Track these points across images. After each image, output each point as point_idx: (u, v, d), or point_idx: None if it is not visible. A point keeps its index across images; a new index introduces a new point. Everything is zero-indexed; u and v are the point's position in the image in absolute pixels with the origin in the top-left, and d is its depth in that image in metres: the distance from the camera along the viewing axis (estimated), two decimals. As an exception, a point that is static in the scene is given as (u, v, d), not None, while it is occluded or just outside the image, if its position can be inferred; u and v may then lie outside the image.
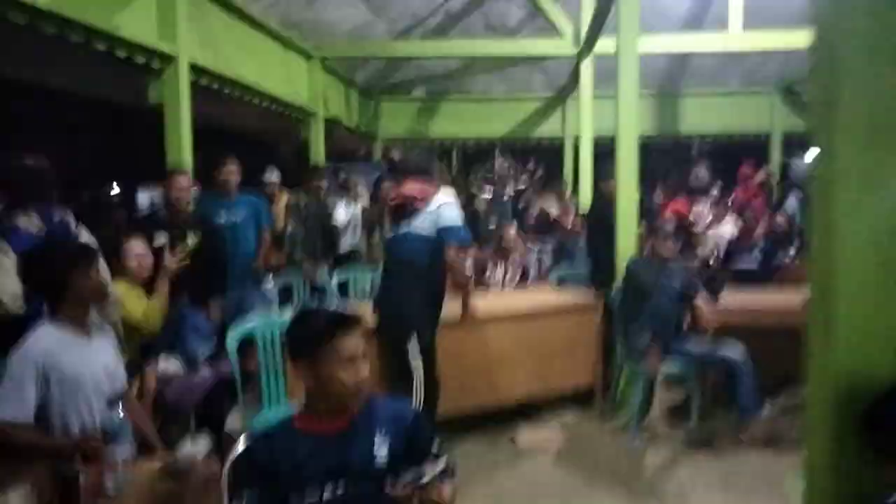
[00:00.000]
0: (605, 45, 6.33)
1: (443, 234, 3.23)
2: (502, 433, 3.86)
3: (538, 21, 6.97)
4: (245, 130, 8.13)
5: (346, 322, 1.59)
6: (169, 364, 3.16)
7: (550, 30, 6.74)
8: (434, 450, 1.67)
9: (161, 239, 3.51)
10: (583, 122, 6.90)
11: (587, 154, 6.93)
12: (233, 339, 3.11)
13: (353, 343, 1.57)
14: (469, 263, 3.38)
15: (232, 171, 4.32)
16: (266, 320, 3.29)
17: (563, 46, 6.69)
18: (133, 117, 5.92)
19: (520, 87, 8.90)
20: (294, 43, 6.32)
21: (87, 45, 3.67)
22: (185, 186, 3.72)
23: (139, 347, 3.07)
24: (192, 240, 3.59)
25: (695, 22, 6.90)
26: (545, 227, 6.87)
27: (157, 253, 3.36)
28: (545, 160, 9.49)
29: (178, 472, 1.69)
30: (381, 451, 1.60)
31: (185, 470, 1.69)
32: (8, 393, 1.94)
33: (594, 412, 4.18)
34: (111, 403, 2.16)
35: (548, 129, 9.29)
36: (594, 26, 5.97)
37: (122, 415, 2.22)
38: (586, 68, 6.73)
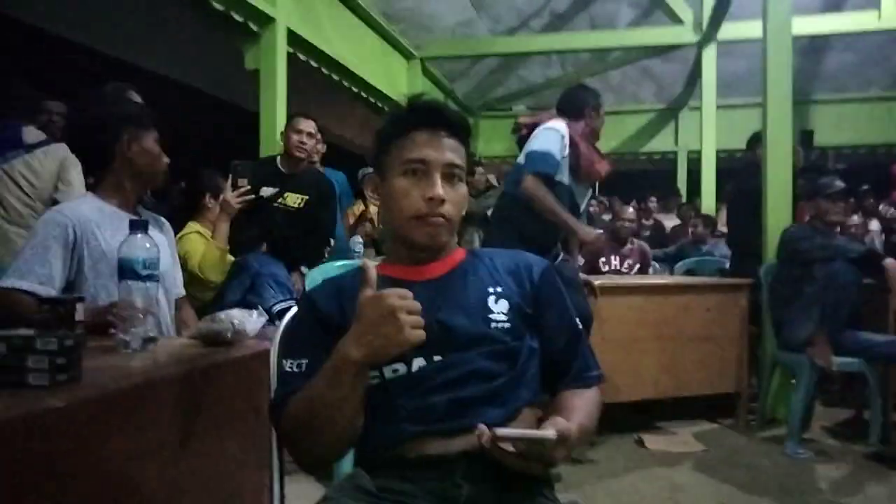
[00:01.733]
0: (731, 30, 5.77)
1: (524, 161, 2.80)
2: (622, 435, 3.19)
3: (649, 19, 6.49)
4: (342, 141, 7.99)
5: (432, 118, 1.07)
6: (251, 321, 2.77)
7: (664, 25, 6.23)
8: (571, 321, 1.13)
9: (268, 190, 3.18)
10: (705, 129, 6.29)
11: (710, 166, 6.28)
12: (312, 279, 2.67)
13: (433, 148, 1.05)
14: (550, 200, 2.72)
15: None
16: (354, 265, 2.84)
17: (683, 34, 6.12)
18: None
19: (628, 98, 8.34)
20: (395, 38, 6.11)
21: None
22: (307, 132, 3.27)
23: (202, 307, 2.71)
24: (296, 199, 3.25)
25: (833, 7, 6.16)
26: (660, 238, 6.21)
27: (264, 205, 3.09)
28: (654, 178, 8.80)
29: (216, 336, 1.22)
30: (498, 309, 1.07)
31: (225, 335, 1.22)
32: (30, 259, 1.55)
33: (735, 423, 3.42)
34: (163, 302, 1.75)
35: (658, 143, 8.61)
36: (718, 9, 5.42)
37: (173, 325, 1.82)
38: (709, 61, 6.12)
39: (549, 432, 0.88)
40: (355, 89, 5.48)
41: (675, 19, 6.11)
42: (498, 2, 6.28)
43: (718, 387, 3.42)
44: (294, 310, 1.21)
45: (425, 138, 1.06)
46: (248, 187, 2.76)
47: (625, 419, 3.24)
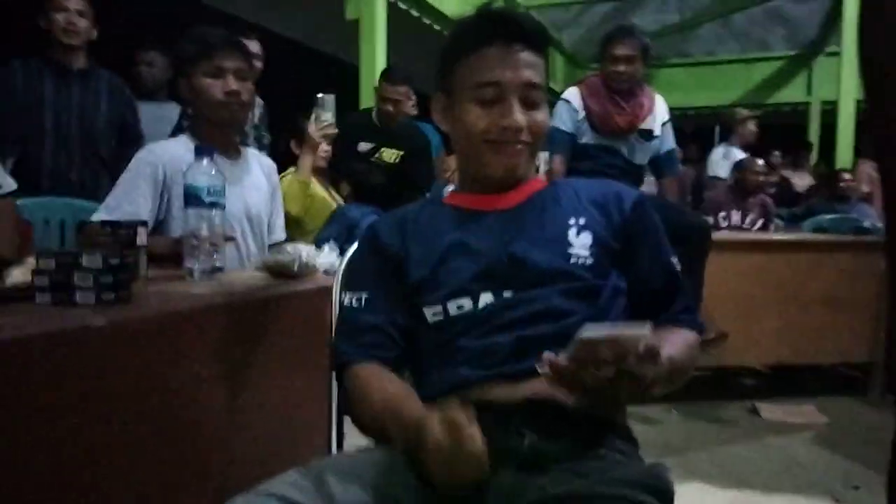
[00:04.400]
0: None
1: None
2: (734, 402, 2.94)
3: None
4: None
5: (505, 31, 0.92)
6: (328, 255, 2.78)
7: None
8: (669, 262, 0.97)
9: (364, 145, 3.16)
10: (844, 78, 5.59)
11: (848, 120, 5.61)
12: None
13: (507, 66, 0.91)
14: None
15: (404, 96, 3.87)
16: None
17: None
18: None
19: (754, 45, 7.63)
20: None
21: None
22: (402, 92, 3.26)
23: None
24: (391, 155, 3.21)
25: None
26: (788, 197, 5.65)
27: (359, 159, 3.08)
28: (783, 131, 8.06)
29: (282, 268, 1.17)
30: (580, 242, 0.93)
31: (291, 267, 1.16)
32: (120, 195, 1.57)
33: (868, 397, 3.06)
34: (251, 250, 1.74)
35: (788, 94, 7.84)
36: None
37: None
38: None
39: (642, 329, 0.71)
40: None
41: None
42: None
43: (849, 356, 3.07)
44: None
45: (498, 55, 0.92)
46: (332, 121, 2.71)
47: (738, 385, 3.00)
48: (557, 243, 0.93)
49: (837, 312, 3.03)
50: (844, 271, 3.03)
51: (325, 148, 2.73)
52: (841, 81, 5.76)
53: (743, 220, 3.85)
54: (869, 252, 3.07)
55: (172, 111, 2.95)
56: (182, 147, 1.67)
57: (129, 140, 2.74)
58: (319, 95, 2.75)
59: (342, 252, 2.67)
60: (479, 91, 0.92)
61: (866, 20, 0.69)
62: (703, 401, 2.87)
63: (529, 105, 0.93)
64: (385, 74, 3.26)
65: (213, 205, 1.15)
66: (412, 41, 5.12)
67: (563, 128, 2.83)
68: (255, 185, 1.80)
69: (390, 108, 3.15)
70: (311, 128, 2.66)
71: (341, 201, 2.95)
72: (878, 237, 3.10)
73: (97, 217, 1.55)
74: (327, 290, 1.10)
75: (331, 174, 3.07)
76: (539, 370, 0.75)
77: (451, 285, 0.92)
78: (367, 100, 4.00)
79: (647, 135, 2.86)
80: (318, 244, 2.77)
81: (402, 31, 4.40)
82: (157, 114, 3.02)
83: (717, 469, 2.27)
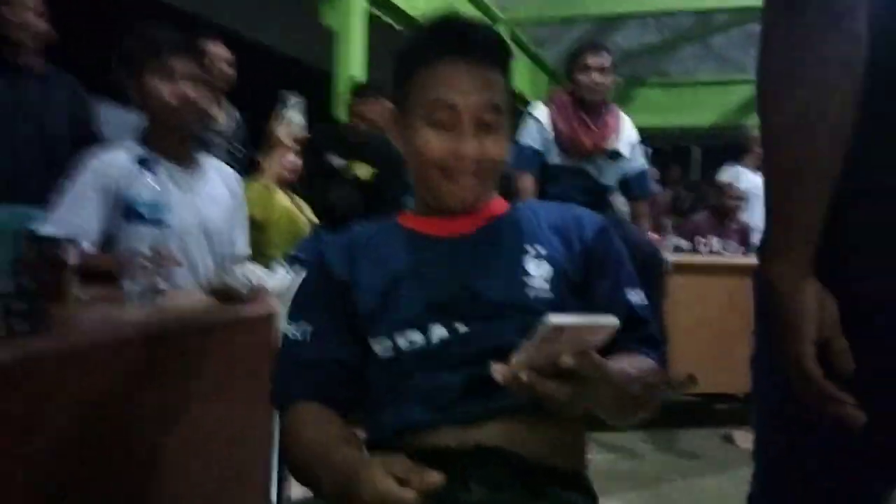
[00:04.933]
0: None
1: None
2: (710, 429, 2.88)
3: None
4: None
5: (458, 46, 0.84)
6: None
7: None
8: (629, 296, 0.90)
9: (337, 161, 3.07)
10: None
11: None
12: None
13: (458, 86, 0.83)
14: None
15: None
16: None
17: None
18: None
19: (732, 67, 7.70)
20: (481, 2, 5.85)
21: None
22: (373, 109, 3.16)
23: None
24: (362, 170, 3.12)
25: None
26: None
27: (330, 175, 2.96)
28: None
29: (227, 290, 1.08)
30: (538, 273, 0.86)
31: (239, 292, 1.07)
32: (66, 208, 1.48)
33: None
34: (206, 267, 1.64)
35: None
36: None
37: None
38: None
39: (609, 320, 0.65)
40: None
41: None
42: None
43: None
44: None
45: (452, 72, 0.84)
46: (300, 123, 2.60)
47: (712, 412, 2.94)
48: (514, 274, 0.86)
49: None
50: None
51: (291, 158, 2.62)
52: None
53: (723, 246, 3.82)
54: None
55: None
56: (126, 155, 1.56)
57: (86, 143, 2.64)
58: (286, 94, 2.63)
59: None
60: (430, 112, 0.85)
61: None
62: (676, 428, 2.82)
63: (485, 129, 0.85)
64: (354, 90, 3.17)
65: (155, 221, 1.06)
66: (387, 51, 5.07)
67: (532, 144, 2.81)
68: (213, 197, 1.71)
69: (360, 124, 3.07)
70: (280, 129, 2.55)
71: (308, 215, 2.86)
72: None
73: (45, 231, 1.44)
74: (273, 317, 1.01)
75: (301, 191, 2.98)
76: (493, 375, 0.67)
77: (402, 317, 0.84)
78: (342, 110, 3.93)
79: (615, 155, 2.84)
80: (292, 263, 2.69)
81: (377, 40, 4.33)
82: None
83: (692, 501, 2.21)
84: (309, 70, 5.82)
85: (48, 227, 1.44)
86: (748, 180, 4.22)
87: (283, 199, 2.65)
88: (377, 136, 3.25)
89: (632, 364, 0.81)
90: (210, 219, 1.66)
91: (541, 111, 2.85)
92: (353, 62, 3.98)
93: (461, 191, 0.87)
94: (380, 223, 0.97)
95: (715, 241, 3.82)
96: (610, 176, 2.88)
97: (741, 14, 6.47)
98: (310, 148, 2.69)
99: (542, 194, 2.88)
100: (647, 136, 2.98)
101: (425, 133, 0.85)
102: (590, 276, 0.89)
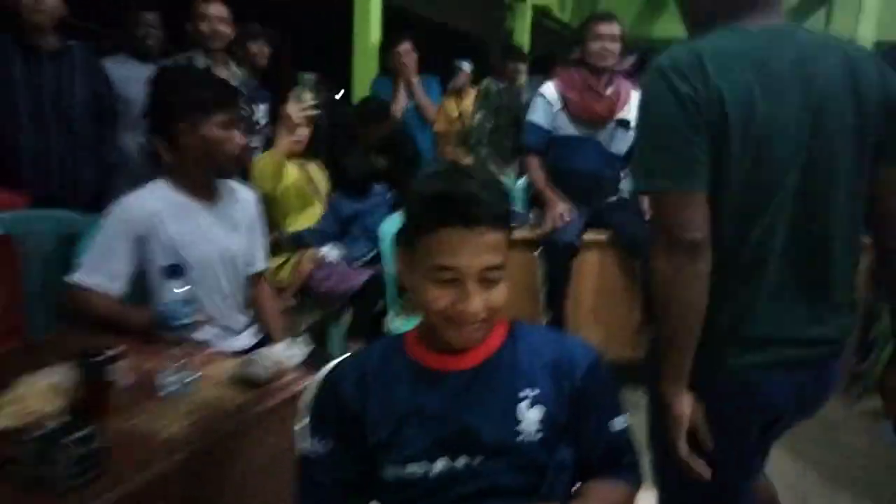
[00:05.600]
0: None
1: None
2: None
3: None
4: (442, 18, 7.54)
5: (462, 212, 0.90)
6: (331, 252, 2.81)
7: None
8: (613, 430, 1.01)
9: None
10: (864, 15, 5.33)
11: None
12: (388, 232, 2.61)
13: (463, 252, 0.90)
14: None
15: (407, 52, 3.77)
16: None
17: None
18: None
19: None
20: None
21: None
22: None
23: (292, 237, 2.75)
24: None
25: None
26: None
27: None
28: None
29: (250, 379, 1.20)
30: (530, 417, 0.96)
31: (260, 378, 1.20)
32: (97, 256, 1.58)
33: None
34: (231, 289, 1.76)
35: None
36: None
37: (243, 306, 1.83)
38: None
39: None
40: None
41: None
42: None
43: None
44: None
45: (456, 239, 0.90)
46: (313, 102, 2.65)
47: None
48: (508, 416, 0.96)
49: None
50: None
51: (300, 132, 2.67)
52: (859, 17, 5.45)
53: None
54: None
55: None
56: (155, 197, 1.65)
57: (106, 118, 2.69)
58: (303, 74, 2.65)
59: (338, 240, 2.72)
60: (436, 272, 0.92)
61: None
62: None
63: (488, 284, 0.93)
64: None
65: (185, 326, 1.17)
66: None
67: (539, 122, 2.89)
68: (234, 222, 1.79)
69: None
70: (292, 107, 2.60)
71: (320, 183, 2.91)
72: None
73: (76, 278, 1.56)
74: (296, 398, 1.13)
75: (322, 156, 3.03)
76: None
77: (407, 451, 0.96)
78: (360, 79, 3.85)
79: (625, 124, 2.86)
80: (316, 241, 2.79)
81: None
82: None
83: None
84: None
85: (79, 275, 1.55)
86: None
87: (292, 171, 2.73)
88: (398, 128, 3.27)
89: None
90: (231, 245, 1.76)
91: (547, 87, 2.90)
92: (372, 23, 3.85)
93: (465, 338, 0.96)
94: (389, 346, 1.05)
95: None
96: (621, 145, 2.90)
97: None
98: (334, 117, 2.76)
99: (554, 168, 2.91)
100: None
101: (432, 289, 0.93)
102: (578, 414, 0.99)
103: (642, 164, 1.12)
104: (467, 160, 4.17)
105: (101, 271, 1.55)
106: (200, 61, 2.91)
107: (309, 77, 2.61)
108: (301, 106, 2.57)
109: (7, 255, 1.96)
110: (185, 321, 1.22)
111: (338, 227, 2.88)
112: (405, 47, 3.77)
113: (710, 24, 1.12)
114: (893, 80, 1.12)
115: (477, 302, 0.91)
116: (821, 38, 1.14)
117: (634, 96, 2.85)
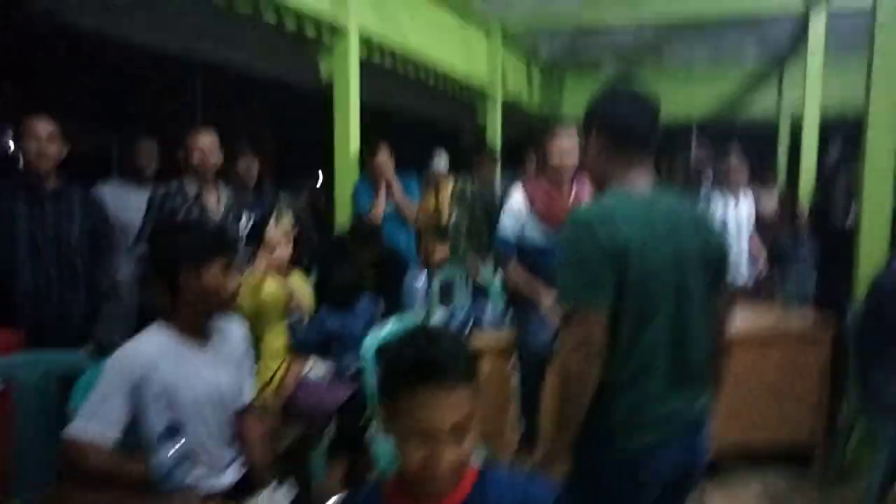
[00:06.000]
0: None
1: None
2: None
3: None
4: (415, 112, 7.90)
5: (433, 374, 1.02)
6: (317, 368, 2.90)
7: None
8: None
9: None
10: (808, 93, 5.68)
11: (812, 135, 5.72)
12: (370, 345, 2.73)
13: (436, 411, 1.02)
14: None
15: (384, 161, 4.02)
16: (409, 324, 2.88)
17: (789, 3, 5.52)
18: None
19: (727, 54, 7.66)
20: (473, 14, 5.86)
21: (255, 17, 3.47)
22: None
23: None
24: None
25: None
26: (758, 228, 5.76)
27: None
28: (752, 146, 8.15)
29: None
30: None
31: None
32: (94, 406, 1.68)
33: (811, 475, 3.29)
34: (219, 426, 1.86)
35: (760, 106, 7.94)
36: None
37: (230, 441, 1.92)
38: (816, 24, 5.52)
39: None
40: (432, 77, 5.34)
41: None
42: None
43: (794, 436, 3.29)
44: None
45: (430, 397, 1.02)
46: (291, 223, 2.81)
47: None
48: None
49: (786, 393, 3.24)
50: (795, 357, 3.24)
51: (279, 251, 2.82)
52: (805, 93, 5.76)
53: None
54: (811, 342, 3.28)
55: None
56: (152, 343, 1.77)
57: (101, 249, 2.83)
58: (282, 199, 2.87)
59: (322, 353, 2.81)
60: (409, 432, 1.03)
61: None
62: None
63: (460, 435, 1.04)
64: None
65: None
66: (387, 84, 5.12)
67: (507, 236, 3.08)
68: (225, 357, 1.91)
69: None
70: (271, 228, 2.77)
71: (305, 295, 3.00)
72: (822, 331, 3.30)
73: (73, 428, 1.65)
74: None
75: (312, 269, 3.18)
76: None
77: None
78: (340, 158, 4.04)
79: None
80: (298, 349, 2.87)
81: (372, 78, 4.37)
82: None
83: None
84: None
85: (75, 426, 1.66)
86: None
87: (271, 285, 2.83)
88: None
89: None
90: (221, 384, 1.87)
91: (515, 195, 3.08)
92: (352, 110, 4.08)
93: (438, 488, 1.07)
94: (369, 498, 1.17)
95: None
96: None
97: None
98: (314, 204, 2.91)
99: (531, 269, 3.05)
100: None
101: (407, 446, 1.03)
102: None
103: (563, 284, 1.51)
104: (445, 253, 4.34)
105: (97, 421, 1.65)
106: (192, 188, 3.09)
107: (286, 197, 2.81)
108: (280, 227, 2.75)
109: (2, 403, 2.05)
110: (180, 480, 1.32)
111: (322, 340, 2.98)
112: (382, 158, 3.98)
113: (606, 186, 1.61)
114: (716, 235, 1.64)
115: (448, 460, 1.03)
116: (678, 203, 1.59)
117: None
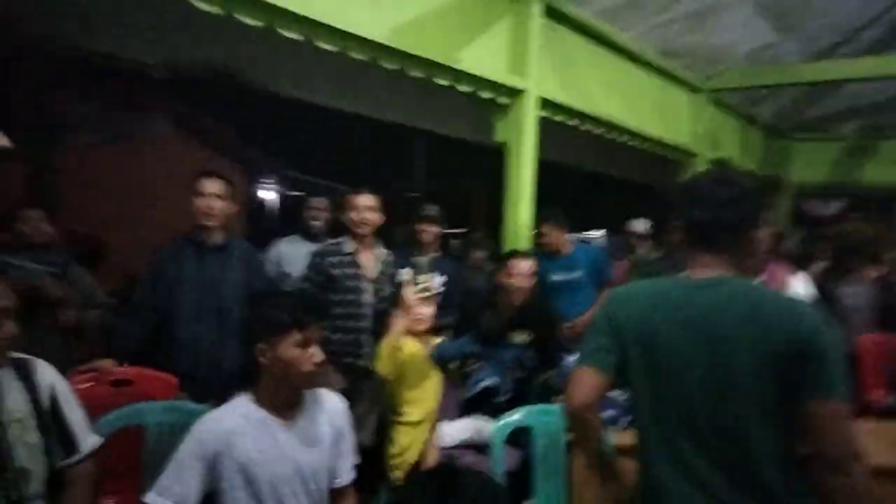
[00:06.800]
0: None
1: None
2: None
3: None
4: (606, 171, 7.52)
5: None
6: (457, 430, 2.74)
7: None
8: None
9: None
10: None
11: None
12: (500, 432, 2.46)
13: None
14: None
15: (552, 234, 3.91)
16: (544, 410, 2.57)
17: None
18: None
19: None
20: (674, 74, 5.46)
21: (427, 80, 3.50)
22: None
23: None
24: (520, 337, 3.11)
25: None
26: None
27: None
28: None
29: None
30: None
31: None
32: (170, 477, 1.64)
33: None
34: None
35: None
36: None
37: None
38: None
39: None
40: (622, 136, 5.02)
41: None
42: (810, 22, 5.13)
43: None
44: None
45: None
46: (428, 283, 2.70)
47: None
48: None
49: None
50: None
51: (419, 310, 2.71)
52: None
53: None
54: None
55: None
56: (234, 415, 1.69)
57: None
58: (415, 260, 2.78)
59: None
60: None
61: None
62: None
63: None
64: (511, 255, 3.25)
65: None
66: (565, 141, 4.92)
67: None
68: (313, 438, 1.77)
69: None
70: (407, 290, 2.67)
71: None
72: None
73: (148, 498, 1.61)
74: None
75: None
76: None
77: None
78: (510, 224, 3.88)
79: None
80: (436, 362, 2.75)
81: (548, 136, 4.19)
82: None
83: None
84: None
85: (151, 495, 1.61)
86: None
87: (411, 345, 2.71)
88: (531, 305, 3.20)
89: None
90: (306, 463, 1.74)
91: None
92: (524, 175, 3.93)
93: None
94: None
95: None
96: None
97: None
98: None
99: None
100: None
101: None
102: None
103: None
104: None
105: (173, 492, 1.60)
106: (348, 245, 3.13)
107: (421, 260, 2.72)
108: (416, 289, 2.66)
109: (135, 442, 2.14)
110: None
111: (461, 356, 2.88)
112: (548, 230, 3.89)
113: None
114: (803, 325, 1.38)
115: None
116: (736, 293, 1.46)
117: None
